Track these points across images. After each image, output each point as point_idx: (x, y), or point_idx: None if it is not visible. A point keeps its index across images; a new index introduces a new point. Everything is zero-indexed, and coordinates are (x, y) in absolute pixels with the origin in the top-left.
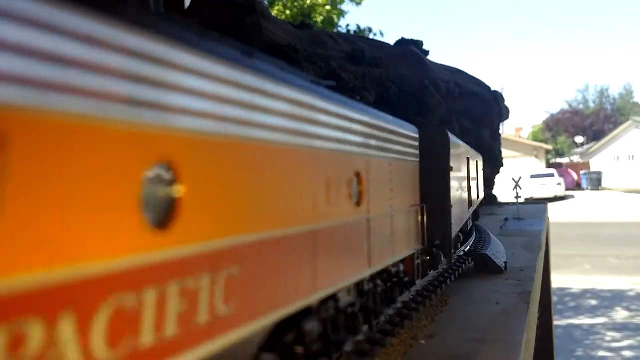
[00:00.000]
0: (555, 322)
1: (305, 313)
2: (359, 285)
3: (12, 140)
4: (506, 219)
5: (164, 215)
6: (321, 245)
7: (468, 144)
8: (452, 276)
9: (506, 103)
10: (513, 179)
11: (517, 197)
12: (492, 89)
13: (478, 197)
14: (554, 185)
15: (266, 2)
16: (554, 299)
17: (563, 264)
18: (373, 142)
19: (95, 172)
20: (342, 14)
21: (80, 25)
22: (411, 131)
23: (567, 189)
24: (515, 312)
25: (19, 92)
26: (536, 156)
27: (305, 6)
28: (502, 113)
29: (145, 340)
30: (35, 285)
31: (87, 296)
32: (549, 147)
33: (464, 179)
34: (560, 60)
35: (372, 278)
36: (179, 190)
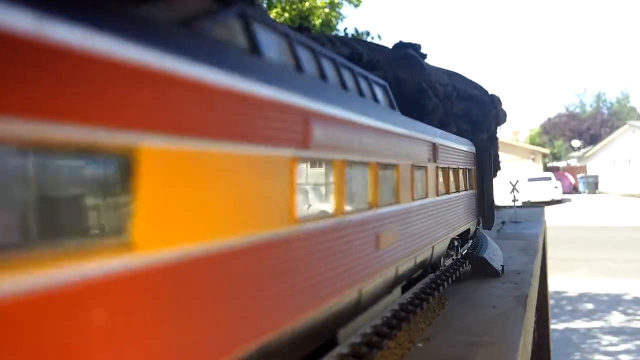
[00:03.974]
0: (552, 326)
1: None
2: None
3: None
4: (503, 222)
5: None
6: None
7: None
8: (449, 279)
9: (503, 106)
10: (510, 183)
11: (514, 200)
12: (490, 92)
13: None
14: (550, 189)
15: (264, 5)
16: (551, 302)
17: (560, 267)
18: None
19: None
20: (340, 17)
21: None
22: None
23: (564, 193)
24: (512, 315)
25: None
26: (533, 160)
27: (304, 9)
28: (499, 116)
29: None
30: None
31: None
32: (546, 150)
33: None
34: (558, 64)
35: None
36: None
